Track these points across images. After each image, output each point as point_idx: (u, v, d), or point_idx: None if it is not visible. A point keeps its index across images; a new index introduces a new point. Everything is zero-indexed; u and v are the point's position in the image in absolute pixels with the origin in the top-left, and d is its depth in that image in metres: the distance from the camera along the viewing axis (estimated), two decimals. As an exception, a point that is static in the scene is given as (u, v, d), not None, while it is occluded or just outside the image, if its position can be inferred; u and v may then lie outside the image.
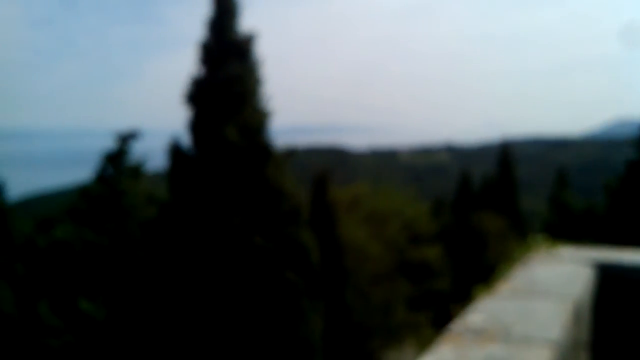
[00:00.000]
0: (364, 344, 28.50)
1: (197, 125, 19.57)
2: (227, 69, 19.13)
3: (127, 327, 20.31)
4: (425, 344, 26.75)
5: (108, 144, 26.15)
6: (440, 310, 31.29)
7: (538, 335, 2.56)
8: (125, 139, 25.56)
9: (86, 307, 21.09)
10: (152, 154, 26.73)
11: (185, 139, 20.09)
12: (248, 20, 20.34)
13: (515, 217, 43.40)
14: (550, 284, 3.50)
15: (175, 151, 19.72)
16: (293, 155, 20.55)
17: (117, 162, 25.38)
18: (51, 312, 21.21)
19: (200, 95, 19.58)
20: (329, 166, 34.85)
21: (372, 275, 29.98)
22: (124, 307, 20.90)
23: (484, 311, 2.93)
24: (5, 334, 21.62)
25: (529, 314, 2.87)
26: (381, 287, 30.09)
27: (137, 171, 25.69)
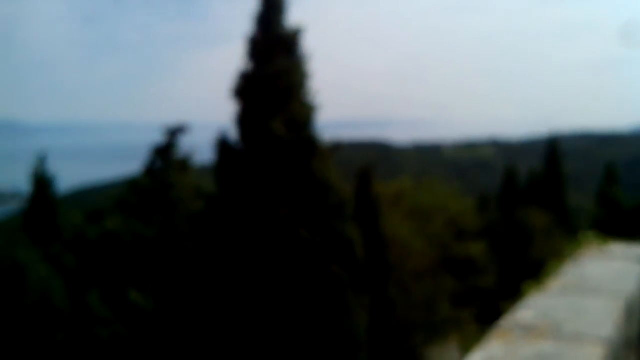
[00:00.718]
0: (406, 340, 28.41)
1: (244, 119, 19.75)
2: (274, 64, 19.24)
3: (175, 319, 20.65)
4: (469, 340, 26.59)
5: (156, 137, 26.60)
6: (484, 307, 30.99)
7: (589, 332, 2.55)
8: (174, 133, 25.96)
9: (135, 298, 21.51)
10: (198, 147, 27.09)
11: (233, 133, 20.31)
12: (295, 14, 20.40)
13: (562, 214, 42.61)
14: (602, 281, 3.47)
15: (223, 145, 19.93)
16: (339, 149, 20.57)
17: (166, 155, 25.79)
18: (101, 302, 21.68)
19: (247, 89, 19.74)
20: (372, 161, 34.72)
21: (415, 271, 29.83)
22: (172, 299, 21.26)
23: (534, 307, 2.94)
24: (56, 325, 22.19)
25: (580, 311, 2.86)
26: (424, 282, 29.91)
27: (184, 165, 26.07)
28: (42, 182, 30.34)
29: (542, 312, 2.82)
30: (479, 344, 2.50)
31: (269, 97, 19.27)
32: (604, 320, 2.72)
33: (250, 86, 19.72)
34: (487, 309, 29.83)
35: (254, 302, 18.49)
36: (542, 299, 3.08)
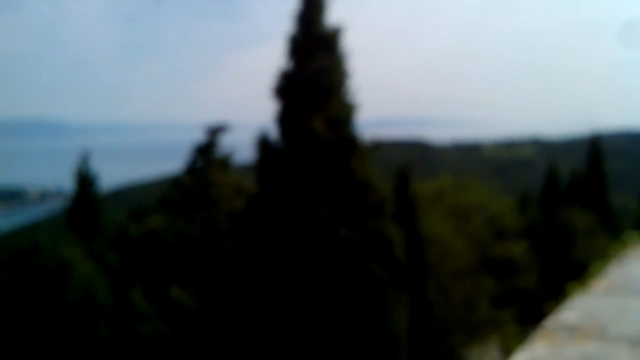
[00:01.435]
0: (445, 340, 28.26)
1: (284, 118, 19.87)
2: (314, 63, 19.33)
3: (217, 317, 20.87)
4: (509, 341, 26.33)
5: (196, 137, 26.97)
6: (525, 308, 30.63)
7: (635, 333, 2.54)
8: (215, 132, 26.28)
9: (177, 295, 21.80)
10: (238, 146, 27.37)
11: (273, 132, 20.45)
12: (335, 13, 20.45)
13: (604, 214, 41.88)
14: None
15: (264, 144, 20.09)
16: (378, 148, 20.56)
17: (207, 154, 26.11)
18: (143, 299, 22.02)
19: (288, 88, 19.86)
20: (410, 160, 34.56)
21: (454, 271, 29.62)
22: (213, 296, 21.48)
23: (578, 308, 2.92)
24: (99, 321, 22.60)
25: (625, 312, 2.84)
26: (464, 282, 29.67)
27: (225, 163, 26.35)
28: (85, 180, 30.95)
29: (587, 313, 2.80)
30: (523, 344, 2.50)
31: (309, 96, 19.36)
32: None
33: (291, 85, 19.84)
34: (528, 310, 29.49)
35: (294, 301, 18.61)
36: (587, 299, 3.06)
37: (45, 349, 22.47)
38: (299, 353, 18.49)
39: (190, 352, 21.37)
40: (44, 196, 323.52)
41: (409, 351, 19.74)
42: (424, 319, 25.27)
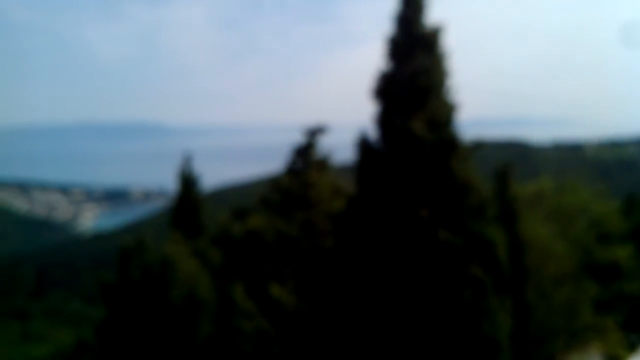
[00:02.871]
0: (544, 346, 27.63)
1: (384, 119, 19.91)
2: (414, 63, 19.30)
3: (316, 316, 21.21)
4: (612, 348, 25.46)
5: (294, 138, 27.51)
6: (630, 314, 29.56)
7: None
8: (313, 133, 26.72)
9: (277, 293, 22.30)
10: (336, 148, 27.76)
11: (372, 133, 20.56)
12: (434, 12, 20.37)
13: None
14: None
15: (364, 145, 20.25)
16: (479, 148, 20.33)
17: (305, 155, 26.57)
18: (245, 297, 22.63)
19: (387, 89, 19.89)
20: (509, 160, 33.92)
21: (555, 275, 28.88)
22: (313, 296, 21.85)
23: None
24: (202, 317, 23.40)
25: None
26: (565, 287, 28.86)
27: (323, 164, 26.73)
28: (188, 181, 32.12)
29: None
30: (631, 352, 2.49)
31: (409, 96, 19.33)
32: None
33: (390, 86, 19.87)
34: (633, 317, 28.44)
35: (394, 304, 18.66)
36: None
37: (149, 344, 23.42)
38: (399, 357, 18.55)
39: (291, 350, 21.80)
40: (147, 196, 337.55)
41: (511, 357, 19.40)
42: (523, 324, 24.80)
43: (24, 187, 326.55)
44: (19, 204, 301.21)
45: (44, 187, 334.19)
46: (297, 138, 27.29)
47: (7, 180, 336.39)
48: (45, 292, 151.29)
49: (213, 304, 23.44)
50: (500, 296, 18.87)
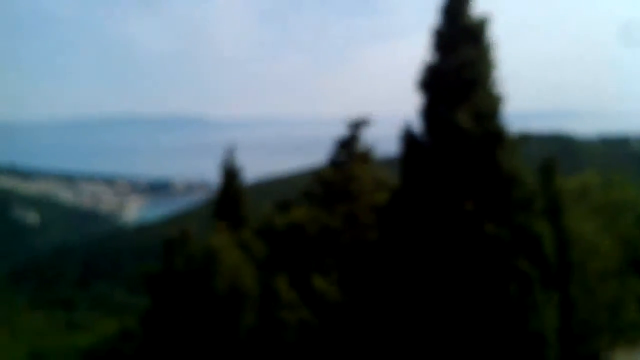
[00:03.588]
0: (588, 342, 27.24)
1: (429, 112, 19.81)
2: (459, 54, 19.12)
3: (360, 309, 21.24)
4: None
5: (334, 131, 27.56)
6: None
7: None
8: (357, 126, 26.72)
9: (320, 285, 22.39)
10: (378, 140, 27.72)
11: (416, 126, 20.46)
12: (480, 3, 20.18)
13: None
14: None
15: (408, 138, 20.18)
16: (526, 141, 20.08)
17: (349, 147, 26.60)
18: (288, 288, 22.76)
19: (433, 81, 19.75)
20: (554, 154, 33.41)
21: (600, 271, 28.42)
22: (356, 289, 21.87)
23: None
24: (245, 308, 23.59)
25: None
26: (610, 283, 28.39)
27: (366, 157, 26.73)
28: (230, 173, 32.36)
29: None
30: None
31: (455, 88, 19.17)
32: None
33: (436, 78, 19.70)
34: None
35: (439, 298, 18.58)
36: None
37: (192, 334, 23.71)
38: (443, 350, 18.48)
39: (334, 342, 21.87)
40: (189, 188, 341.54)
41: (558, 352, 19.16)
42: (567, 320, 24.50)
43: (70, 179, 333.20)
44: (66, 195, 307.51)
45: (90, 178, 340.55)
46: (339, 131, 27.34)
47: (55, 171, 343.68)
48: (90, 282, 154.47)
49: (256, 295, 23.58)
50: (547, 291, 18.65)
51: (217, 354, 23.20)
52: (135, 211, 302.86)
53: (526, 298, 17.98)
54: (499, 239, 18.06)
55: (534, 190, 19.61)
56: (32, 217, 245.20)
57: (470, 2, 19.85)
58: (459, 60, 19.15)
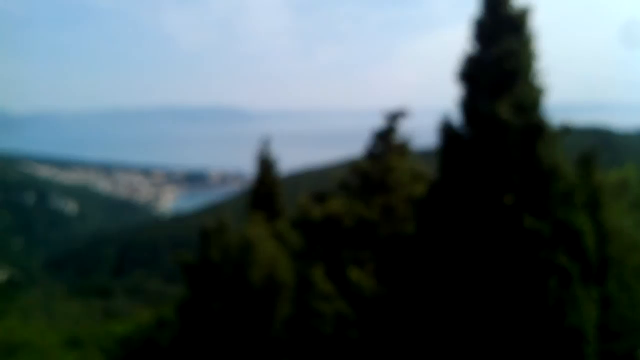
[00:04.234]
0: (624, 339, 26.86)
1: (468, 103, 19.61)
2: (500, 45, 18.88)
3: (396, 301, 21.20)
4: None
5: (371, 122, 27.49)
6: None
7: None
8: (394, 117, 26.62)
9: (356, 277, 22.40)
10: (415, 132, 27.58)
11: (454, 117, 20.28)
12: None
13: None
14: None
15: (447, 129, 20.01)
16: (567, 133, 19.76)
17: (386, 139, 26.52)
18: (324, 279, 22.82)
19: (473, 72, 19.52)
20: (593, 147, 32.86)
21: (638, 267, 27.97)
22: (392, 281, 21.83)
23: None
24: (281, 298, 23.72)
25: None
26: (649, 280, 27.93)
27: (404, 149, 26.63)
28: (266, 164, 32.50)
29: None
30: None
31: (495, 79, 18.93)
32: None
33: (476, 69, 19.46)
34: None
35: (475, 291, 18.46)
36: None
37: (228, 324, 23.90)
38: (480, 345, 18.36)
39: (371, 333, 21.88)
40: (224, 179, 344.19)
41: (596, 349, 18.90)
42: (604, 315, 24.18)
43: (108, 169, 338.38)
44: (103, 185, 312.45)
45: (127, 168, 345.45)
46: (376, 122, 27.27)
47: (93, 162, 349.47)
48: (126, 271, 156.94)
49: (292, 286, 23.68)
50: (586, 286, 18.40)
51: (252, 344, 23.37)
52: (171, 201, 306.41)
53: (565, 293, 17.76)
54: (539, 234, 17.84)
55: (574, 184, 19.30)
56: (70, 207, 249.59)
57: (513, -8, 19.58)
58: (500, 51, 18.90)
